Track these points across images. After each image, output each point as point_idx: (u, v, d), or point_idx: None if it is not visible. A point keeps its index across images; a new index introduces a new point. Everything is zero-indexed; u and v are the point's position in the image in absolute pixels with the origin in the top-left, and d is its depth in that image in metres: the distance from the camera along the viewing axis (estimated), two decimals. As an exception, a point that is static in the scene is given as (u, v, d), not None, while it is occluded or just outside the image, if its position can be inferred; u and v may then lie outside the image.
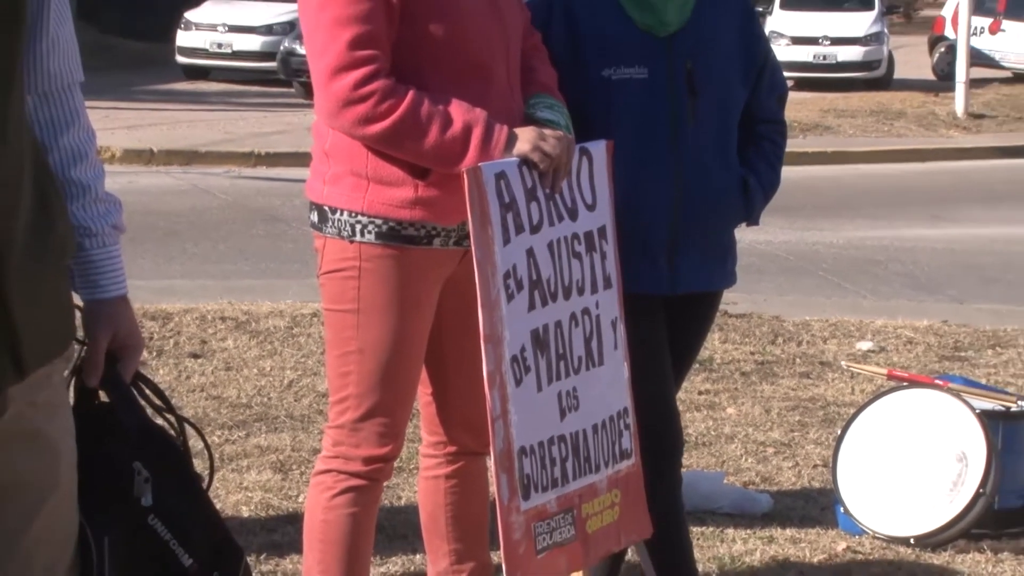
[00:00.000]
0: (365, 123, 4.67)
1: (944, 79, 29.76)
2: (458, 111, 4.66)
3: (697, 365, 5.63)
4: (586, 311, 4.91)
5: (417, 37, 4.78)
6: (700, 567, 5.62)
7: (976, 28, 28.66)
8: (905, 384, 7.45)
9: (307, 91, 25.19)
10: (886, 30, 33.00)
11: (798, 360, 10.17)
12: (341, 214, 4.87)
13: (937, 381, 7.33)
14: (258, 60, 29.01)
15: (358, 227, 4.84)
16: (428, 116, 4.66)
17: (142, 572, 3.62)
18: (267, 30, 29.29)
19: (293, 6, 23.18)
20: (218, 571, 3.72)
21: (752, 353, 10.14)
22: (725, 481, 7.35)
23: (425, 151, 4.69)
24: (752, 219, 5.53)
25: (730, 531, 6.78)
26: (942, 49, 32.84)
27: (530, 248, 4.74)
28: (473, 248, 4.61)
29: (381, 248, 4.80)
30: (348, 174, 4.84)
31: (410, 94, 4.62)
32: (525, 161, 4.69)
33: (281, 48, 28.31)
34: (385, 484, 5.26)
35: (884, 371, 8.46)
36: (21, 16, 3.10)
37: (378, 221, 4.79)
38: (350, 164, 4.84)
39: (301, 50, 20.99)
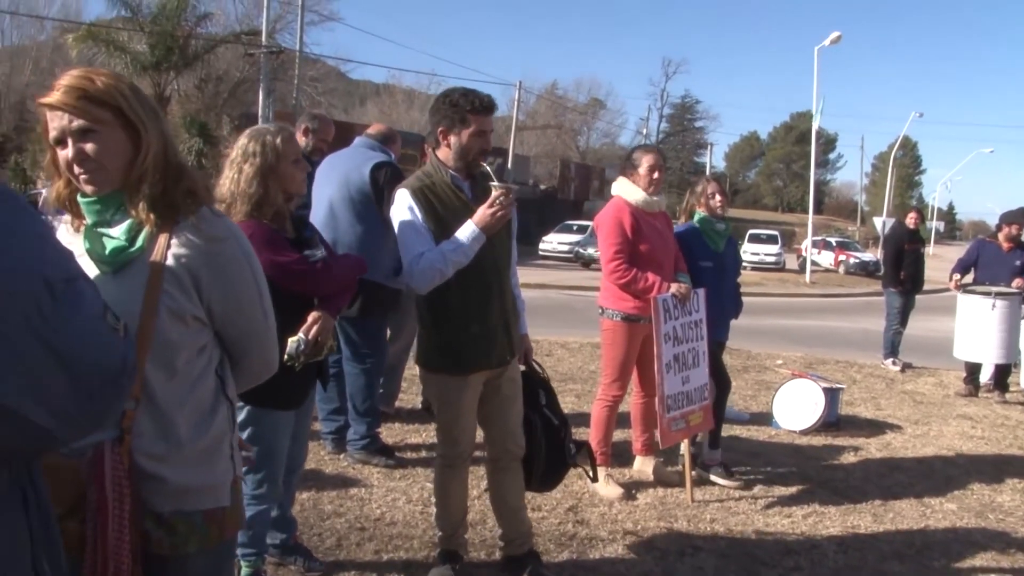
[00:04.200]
0: (618, 280, 5.10)
1: (803, 270, 33.71)
2: (651, 276, 5.08)
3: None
4: (693, 348, 5.27)
5: (638, 251, 5.13)
6: (725, 437, 5.99)
7: (812, 252, 34.40)
8: (797, 376, 7.90)
9: (583, 264, 31.56)
10: (783, 250, 38.35)
11: (757, 367, 10.45)
12: (608, 309, 5.28)
13: (809, 376, 7.86)
14: (567, 253, 33.11)
15: (614, 314, 5.24)
16: (641, 278, 5.07)
17: (546, 430, 3.99)
18: (571, 243, 33.39)
19: (578, 237, 33.30)
20: (564, 426, 4.04)
21: (739, 363, 10.27)
22: (734, 409, 7.67)
23: (639, 290, 5.10)
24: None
25: (735, 427, 7.11)
26: (802, 258, 37.26)
27: (674, 325, 5.12)
28: (654, 324, 5.02)
29: (622, 323, 5.23)
30: (611, 295, 5.23)
31: (635, 270, 5.07)
32: (674, 294, 5.10)
33: (575, 248, 32.42)
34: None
35: (790, 372, 9.00)
36: (511, 248, 3.85)
37: (622, 313, 5.21)
38: (613, 292, 5.22)
39: (582, 250, 32.10)
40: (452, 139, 3.61)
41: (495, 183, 3.49)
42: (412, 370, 7.06)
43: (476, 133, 3.59)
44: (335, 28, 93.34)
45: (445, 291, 3.58)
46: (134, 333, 1.79)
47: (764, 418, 7.57)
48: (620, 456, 5.89)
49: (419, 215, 3.55)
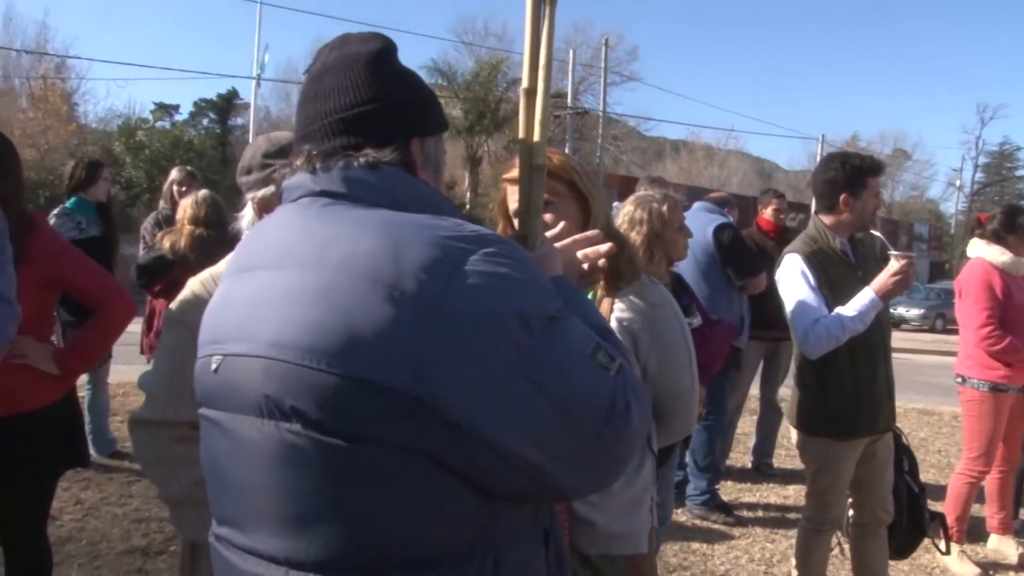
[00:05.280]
0: (991, 347, 4.77)
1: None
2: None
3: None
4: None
5: (1008, 317, 4.81)
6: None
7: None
8: None
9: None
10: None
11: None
12: (972, 379, 4.95)
13: None
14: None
15: (980, 384, 4.91)
16: (1014, 346, 4.74)
17: (910, 497, 3.85)
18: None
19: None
20: (923, 494, 3.91)
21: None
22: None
23: (1015, 359, 4.77)
24: None
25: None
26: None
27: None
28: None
29: (989, 394, 4.88)
30: (977, 363, 4.90)
31: (1010, 336, 4.73)
32: None
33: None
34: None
35: None
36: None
37: (989, 383, 4.88)
38: (979, 359, 4.89)
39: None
40: (855, 204, 3.65)
41: (895, 252, 3.48)
42: (739, 429, 7.13)
43: (874, 194, 3.66)
44: (635, 88, 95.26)
45: (834, 356, 3.55)
46: None
47: None
48: (972, 532, 5.48)
49: (812, 280, 3.56)
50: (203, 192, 5.08)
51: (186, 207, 5.01)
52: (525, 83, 1.49)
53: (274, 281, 1.27)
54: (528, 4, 1.48)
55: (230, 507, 1.34)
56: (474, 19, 62.51)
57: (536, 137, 1.49)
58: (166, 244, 5.00)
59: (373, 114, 1.34)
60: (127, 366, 5.89)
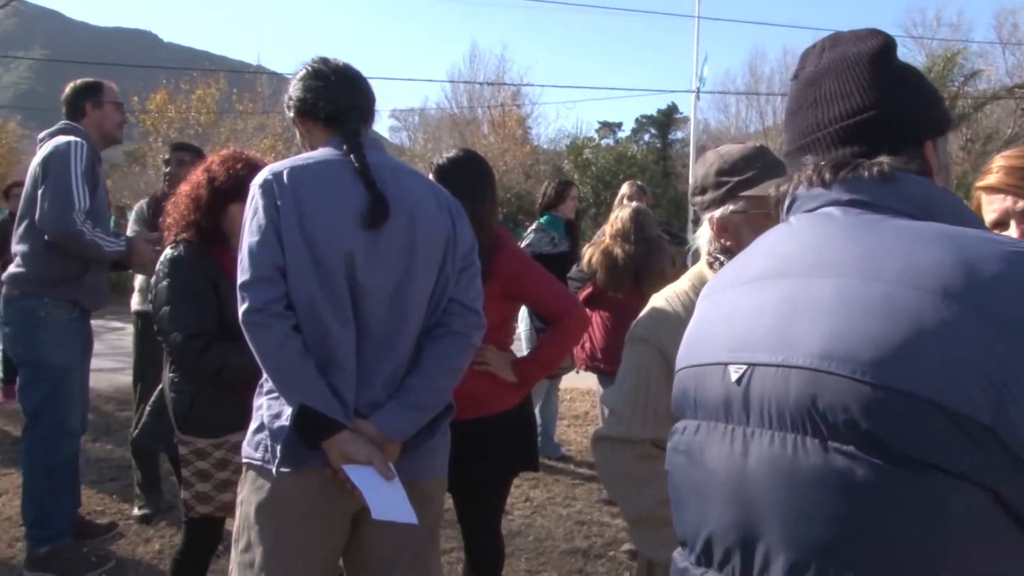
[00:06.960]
0: None
1: None
2: None
3: None
4: None
5: None
6: None
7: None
8: None
9: None
10: None
11: None
12: None
13: None
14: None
15: None
16: None
17: None
18: None
19: None
20: None
21: None
22: None
23: None
24: None
25: None
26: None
27: None
28: None
29: None
30: None
31: None
32: None
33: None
34: None
35: None
36: None
37: None
38: None
39: None
40: None
41: None
42: None
43: None
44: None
45: None
46: None
47: None
48: None
49: None
50: (630, 208, 5.16)
51: (611, 222, 5.13)
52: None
53: (812, 290, 1.21)
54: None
55: (705, 527, 1.28)
56: (924, 10, 58.06)
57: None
58: (585, 257, 5.16)
59: (882, 118, 1.28)
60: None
